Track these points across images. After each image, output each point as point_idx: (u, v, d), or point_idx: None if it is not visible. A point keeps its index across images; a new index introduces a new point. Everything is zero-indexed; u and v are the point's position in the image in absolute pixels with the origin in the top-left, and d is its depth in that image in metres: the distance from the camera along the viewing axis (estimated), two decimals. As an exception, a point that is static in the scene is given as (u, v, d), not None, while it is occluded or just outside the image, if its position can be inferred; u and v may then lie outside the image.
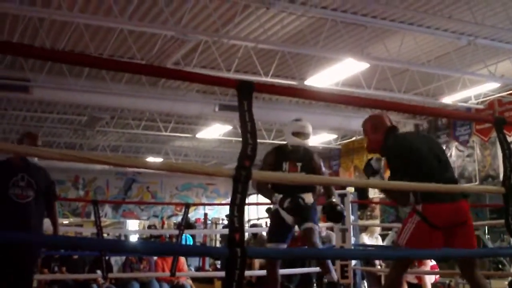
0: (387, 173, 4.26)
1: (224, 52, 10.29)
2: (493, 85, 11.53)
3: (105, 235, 10.50)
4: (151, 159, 18.12)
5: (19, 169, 5.24)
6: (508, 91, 12.10)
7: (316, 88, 10.71)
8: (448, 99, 11.98)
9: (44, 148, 2.67)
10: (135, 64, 2.89)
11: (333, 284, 5.16)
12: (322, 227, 10.66)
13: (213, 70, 10.61)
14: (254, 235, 11.32)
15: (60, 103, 12.80)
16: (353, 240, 7.61)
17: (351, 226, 7.55)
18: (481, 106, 12.49)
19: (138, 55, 9.94)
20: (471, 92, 11.85)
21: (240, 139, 2.72)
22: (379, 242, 11.64)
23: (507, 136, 3.75)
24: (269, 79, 10.20)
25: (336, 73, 10.39)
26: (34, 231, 5.07)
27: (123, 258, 9.20)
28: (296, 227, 5.41)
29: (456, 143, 13.93)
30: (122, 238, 15.92)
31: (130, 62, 2.80)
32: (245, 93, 2.74)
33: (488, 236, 11.21)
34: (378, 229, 12.30)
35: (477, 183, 13.05)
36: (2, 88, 10.50)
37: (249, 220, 15.77)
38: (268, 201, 5.47)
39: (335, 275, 5.22)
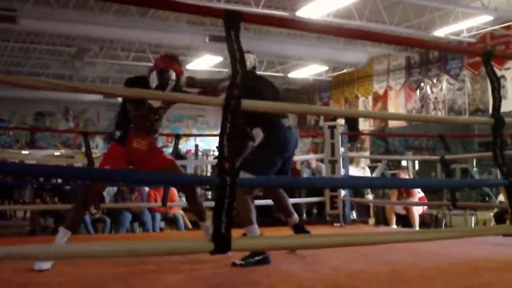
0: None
1: (214, -18, 10.12)
2: (486, 18, 11.41)
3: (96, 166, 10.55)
4: (141, 90, 17.99)
5: None
6: (501, 24, 11.97)
7: (306, 19, 10.59)
8: (440, 32, 11.89)
9: (34, 78, 2.65)
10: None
11: (298, 226, 4.85)
12: (312, 159, 10.76)
13: (204, 0, 10.44)
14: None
15: (47, 33, 12.61)
16: (342, 171, 7.68)
17: (341, 158, 7.61)
18: (473, 40, 12.40)
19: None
20: (463, 25, 11.74)
21: (231, 70, 2.71)
22: (367, 173, 11.79)
23: (498, 69, 3.75)
24: (260, 10, 10.06)
25: (328, 4, 10.25)
26: None
27: (115, 189, 9.25)
28: None
29: (447, 77, 13.94)
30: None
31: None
32: (233, 23, 2.70)
33: (476, 169, 11.36)
34: (363, 160, 12.43)
35: (466, 116, 13.12)
36: (-12, 18, 10.33)
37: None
38: None
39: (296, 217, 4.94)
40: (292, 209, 4.79)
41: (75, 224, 4.33)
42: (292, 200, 7.38)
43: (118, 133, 4.43)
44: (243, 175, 4.22)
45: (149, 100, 4.35)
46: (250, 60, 4.65)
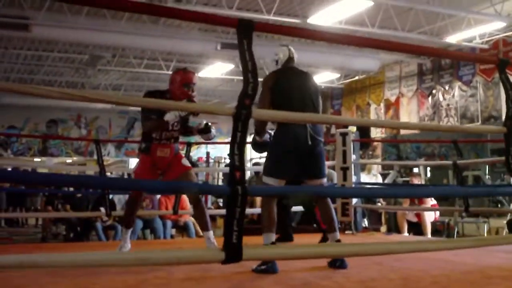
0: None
1: (225, -11, 10.14)
2: (499, 25, 11.36)
3: (108, 174, 10.57)
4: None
5: None
6: (513, 30, 11.93)
7: (318, 27, 10.58)
8: (453, 39, 11.84)
9: (43, 87, 2.66)
10: (132, 3, 2.85)
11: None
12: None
13: (215, 8, 10.46)
14: (257, 174, 11.40)
15: (60, 41, 12.67)
16: (354, 178, 7.66)
17: (352, 165, 7.59)
18: (485, 46, 12.34)
19: (138, -8, 9.78)
20: (475, 32, 11.69)
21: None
22: (379, 180, 11.74)
23: (510, 76, 3.73)
24: (271, 17, 10.07)
25: (339, 11, 10.24)
26: None
27: (126, 196, 9.27)
28: None
29: (459, 83, 13.86)
30: (126, 177, 16.00)
31: (129, 1, 2.75)
32: (245, 32, 2.71)
33: (488, 176, 11.28)
34: (375, 167, 12.38)
35: (479, 123, 13.04)
36: (1, 26, 10.38)
37: (251, 159, 15.85)
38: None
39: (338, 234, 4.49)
40: (336, 226, 4.50)
41: (131, 223, 5.03)
42: (302, 208, 7.42)
43: (143, 145, 4.83)
44: (264, 179, 4.32)
45: (166, 116, 4.61)
46: (283, 52, 4.82)
